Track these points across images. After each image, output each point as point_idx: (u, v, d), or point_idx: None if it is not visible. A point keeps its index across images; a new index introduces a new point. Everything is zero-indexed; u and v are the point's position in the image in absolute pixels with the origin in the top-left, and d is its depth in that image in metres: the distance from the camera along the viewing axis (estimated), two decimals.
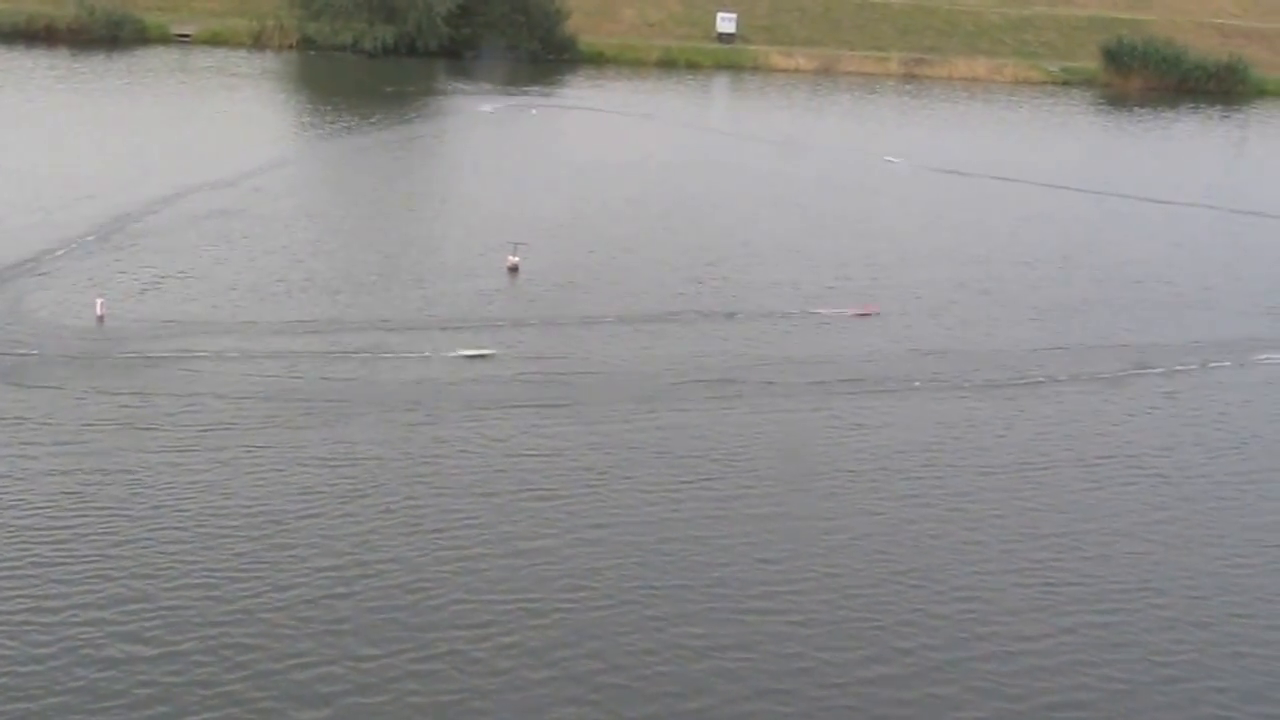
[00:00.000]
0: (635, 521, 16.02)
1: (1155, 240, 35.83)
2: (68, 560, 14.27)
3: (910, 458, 18.63)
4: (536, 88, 64.32)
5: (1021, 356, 23.63)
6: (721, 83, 74.21)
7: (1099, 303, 28.09)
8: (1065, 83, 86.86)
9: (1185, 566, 16.00)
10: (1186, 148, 60.36)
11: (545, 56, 77.17)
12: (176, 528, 15.00)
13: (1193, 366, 23.84)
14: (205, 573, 14.13)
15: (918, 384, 21.82)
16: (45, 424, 17.53)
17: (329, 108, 52.39)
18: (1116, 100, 76.87)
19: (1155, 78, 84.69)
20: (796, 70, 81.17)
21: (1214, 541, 16.77)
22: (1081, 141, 59.44)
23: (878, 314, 25.40)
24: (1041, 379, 22.54)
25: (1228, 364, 24.17)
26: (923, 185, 42.13)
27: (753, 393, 20.72)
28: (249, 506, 15.60)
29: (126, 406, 18.23)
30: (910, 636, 13.88)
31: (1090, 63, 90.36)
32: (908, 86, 76.10)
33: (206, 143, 41.20)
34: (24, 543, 14.57)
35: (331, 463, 16.91)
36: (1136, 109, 72.63)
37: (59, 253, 25.77)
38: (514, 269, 26.75)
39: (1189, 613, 14.87)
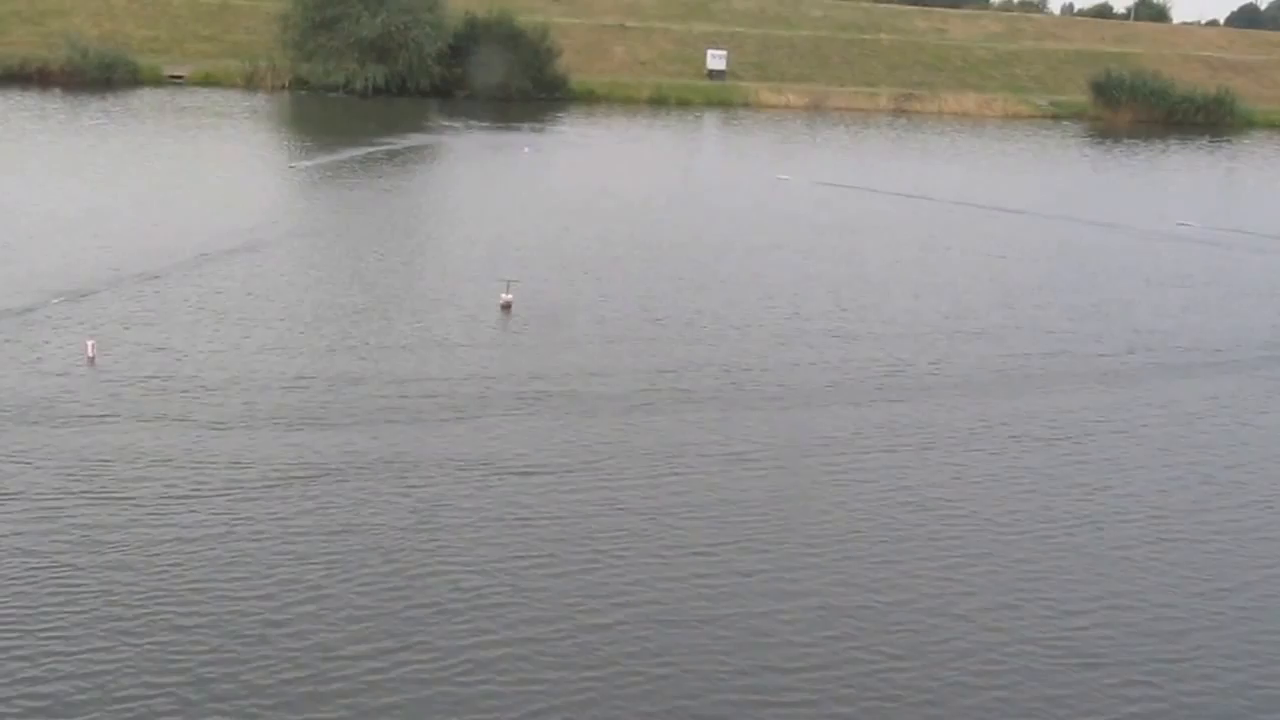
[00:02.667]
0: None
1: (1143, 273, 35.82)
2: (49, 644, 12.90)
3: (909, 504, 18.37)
4: (528, 125, 64.49)
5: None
6: (712, 119, 74.52)
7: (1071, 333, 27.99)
8: (1055, 116, 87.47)
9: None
10: (1179, 179, 60.57)
11: (537, 95, 77.60)
12: (159, 603, 13.72)
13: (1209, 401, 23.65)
14: (189, 658, 12.72)
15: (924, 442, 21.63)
16: (21, 473, 17.03)
17: (316, 147, 52.43)
18: (1106, 133, 77.34)
19: (1144, 110, 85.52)
20: (787, 106, 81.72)
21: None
22: (1074, 173, 59.65)
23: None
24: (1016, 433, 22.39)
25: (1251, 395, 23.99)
26: (909, 216, 42.19)
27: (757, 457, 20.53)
28: (246, 574, 14.50)
29: (114, 452, 17.86)
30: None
31: (1079, 96, 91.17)
32: (900, 121, 76.50)
33: (197, 184, 41.17)
34: None
35: (318, 533, 16.01)
36: (1126, 141, 73.01)
37: (47, 293, 25.56)
38: (507, 307, 26.50)
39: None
